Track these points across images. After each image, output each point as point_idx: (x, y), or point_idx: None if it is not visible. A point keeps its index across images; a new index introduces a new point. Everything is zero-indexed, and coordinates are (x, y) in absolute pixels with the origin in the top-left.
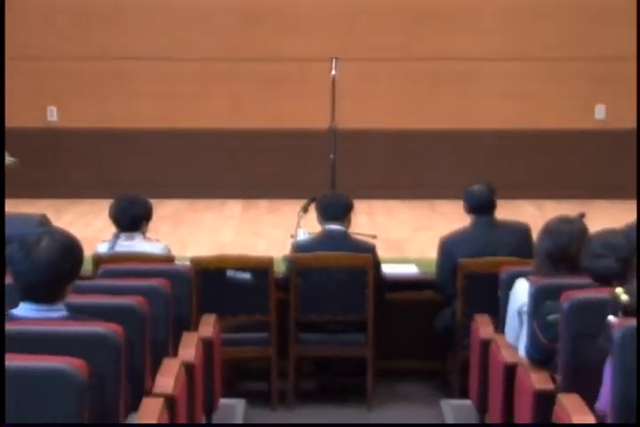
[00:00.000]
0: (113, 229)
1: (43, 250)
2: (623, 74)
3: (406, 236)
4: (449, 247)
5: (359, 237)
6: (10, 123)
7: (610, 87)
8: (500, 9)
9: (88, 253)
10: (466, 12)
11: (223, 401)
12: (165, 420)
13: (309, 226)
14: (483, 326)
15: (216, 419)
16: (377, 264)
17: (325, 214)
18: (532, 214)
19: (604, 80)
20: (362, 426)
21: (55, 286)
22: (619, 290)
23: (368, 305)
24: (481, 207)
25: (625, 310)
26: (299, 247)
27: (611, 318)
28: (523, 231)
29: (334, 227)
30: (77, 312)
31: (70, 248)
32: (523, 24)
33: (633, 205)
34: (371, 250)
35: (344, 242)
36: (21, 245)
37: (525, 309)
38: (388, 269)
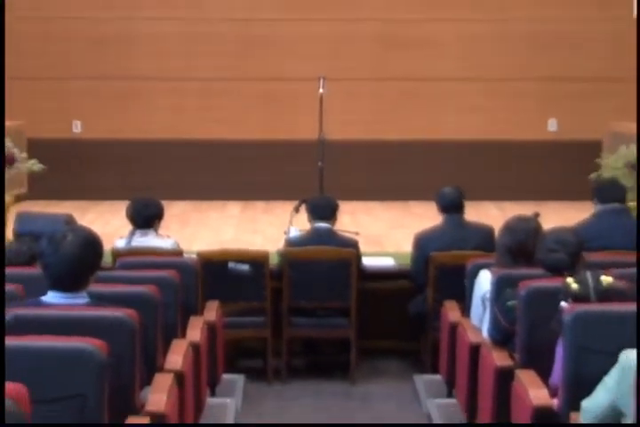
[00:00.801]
0: (129, 226)
1: (68, 245)
2: (573, 92)
3: (384, 232)
4: (422, 242)
5: (344, 234)
6: (40, 134)
7: (561, 103)
8: (461, 36)
9: (107, 247)
10: (432, 39)
11: (225, 376)
12: (175, 393)
13: (300, 224)
14: (451, 311)
15: (219, 392)
16: (358, 257)
17: (314, 214)
18: (494, 215)
19: (555, 97)
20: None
21: (79, 277)
22: (569, 280)
23: (351, 293)
24: (451, 207)
25: (575, 297)
26: (291, 242)
27: (562, 303)
28: (487, 231)
29: (322, 225)
30: (98, 299)
31: (92, 243)
32: (481, 49)
33: (580, 205)
34: (354, 245)
35: (330, 238)
36: (50, 240)
37: (488, 296)
38: (367, 261)
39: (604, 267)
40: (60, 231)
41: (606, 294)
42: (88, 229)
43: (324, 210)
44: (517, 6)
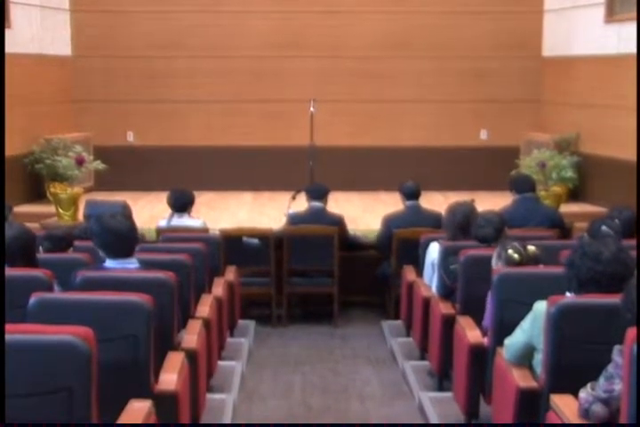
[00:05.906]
0: (169, 210)
1: (116, 223)
2: (498, 110)
3: (359, 215)
4: (389, 222)
5: (333, 212)
6: (103, 142)
7: (490, 119)
8: (415, 70)
9: (153, 226)
10: (394, 72)
11: (241, 322)
12: (203, 334)
13: (295, 208)
14: (409, 273)
15: (236, 333)
16: (344, 230)
17: (311, 195)
18: (440, 201)
19: (486, 114)
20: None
21: (126, 247)
22: (510, 251)
23: (334, 260)
24: (410, 196)
25: (511, 264)
26: (292, 218)
27: (500, 267)
28: (436, 215)
29: (316, 204)
30: (146, 265)
31: (129, 221)
32: (430, 80)
33: (504, 194)
34: (341, 219)
35: (322, 214)
36: (97, 220)
37: (436, 261)
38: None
39: (523, 239)
40: (109, 213)
41: (529, 260)
42: (121, 214)
43: (317, 192)
44: (456, 48)
